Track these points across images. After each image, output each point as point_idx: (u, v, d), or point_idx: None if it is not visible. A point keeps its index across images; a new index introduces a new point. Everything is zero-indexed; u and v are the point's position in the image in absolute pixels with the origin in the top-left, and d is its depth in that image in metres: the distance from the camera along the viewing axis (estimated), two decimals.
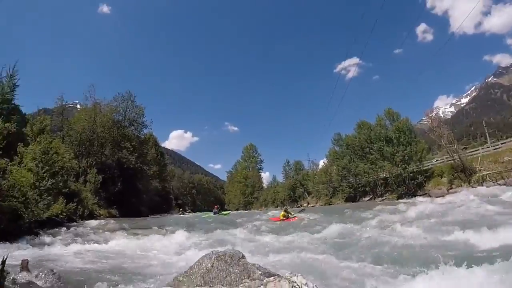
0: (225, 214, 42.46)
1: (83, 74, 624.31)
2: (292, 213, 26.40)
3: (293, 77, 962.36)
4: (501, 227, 9.66)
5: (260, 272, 4.41)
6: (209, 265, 4.63)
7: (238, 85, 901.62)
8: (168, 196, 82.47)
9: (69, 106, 56.40)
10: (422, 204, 23.15)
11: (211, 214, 42.67)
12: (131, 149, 49.84)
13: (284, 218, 24.17)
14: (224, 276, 4.45)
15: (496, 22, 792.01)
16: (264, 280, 3.99)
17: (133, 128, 53.31)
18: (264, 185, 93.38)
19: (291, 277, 3.95)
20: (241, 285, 4.10)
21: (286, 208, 28.92)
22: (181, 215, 60.59)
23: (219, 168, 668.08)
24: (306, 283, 3.86)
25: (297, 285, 3.82)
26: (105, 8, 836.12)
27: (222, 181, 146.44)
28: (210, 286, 4.36)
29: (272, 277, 4.04)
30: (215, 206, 49.42)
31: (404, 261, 7.38)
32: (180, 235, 14.76)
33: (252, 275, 4.39)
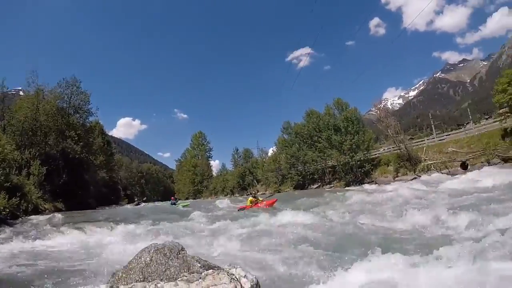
0: (185, 205, 38.69)
1: (25, 59, 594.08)
2: (260, 199, 25.66)
3: (244, 65, 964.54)
4: (433, 212, 9.99)
5: (199, 265, 4.22)
6: (147, 259, 4.36)
7: (188, 71, 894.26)
8: (116, 187, 79.56)
9: (11, 93, 53.53)
10: (367, 192, 23.44)
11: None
12: (76, 138, 46.84)
13: (252, 204, 23.55)
14: (163, 270, 4.22)
15: (447, 21, 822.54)
16: (203, 273, 3.88)
17: (78, 116, 49.59)
18: (214, 173, 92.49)
19: (230, 269, 3.91)
20: (179, 279, 3.89)
21: (254, 194, 28.70)
22: (137, 206, 58.43)
23: (168, 157, 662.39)
24: (245, 275, 3.83)
25: (236, 277, 3.78)
26: None
27: (171, 170, 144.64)
28: (149, 281, 4.08)
29: (210, 270, 3.96)
30: (172, 198, 48.21)
31: (344, 249, 7.24)
32: (127, 228, 13.93)
33: (191, 268, 4.21)
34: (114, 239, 11.64)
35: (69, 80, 48.21)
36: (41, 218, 23.46)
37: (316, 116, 51.15)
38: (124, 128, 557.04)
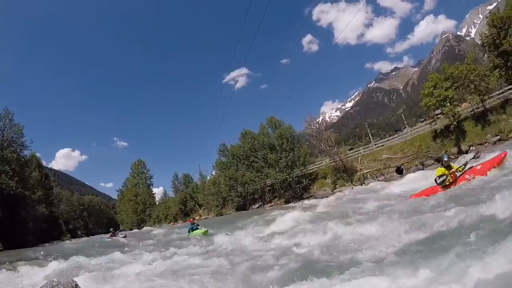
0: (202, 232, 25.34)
1: None
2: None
3: (181, 89, 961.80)
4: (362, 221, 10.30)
5: None
6: None
7: (126, 99, 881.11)
8: (57, 222, 75.72)
9: None
10: (301, 208, 23.23)
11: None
12: (11, 173, 44.07)
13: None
14: None
15: (377, 33, 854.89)
16: None
17: (11, 149, 47.83)
18: (158, 201, 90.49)
19: None
20: None
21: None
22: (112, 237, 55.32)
23: (111, 187, 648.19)
24: None
25: None
26: None
27: (115, 200, 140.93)
28: None
29: None
30: (190, 220, 45.95)
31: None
32: (55, 265, 13.21)
33: None
34: (38, 279, 11.09)
35: (0, 112, 46.08)
36: None
37: (251, 136, 51.12)
38: (64, 160, 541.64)
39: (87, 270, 11.05)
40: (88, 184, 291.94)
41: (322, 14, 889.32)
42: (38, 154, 67.77)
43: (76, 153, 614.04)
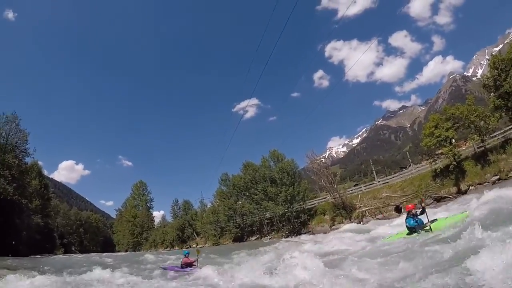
0: None
1: None
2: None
3: (191, 115, 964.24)
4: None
5: None
6: None
7: (134, 118, 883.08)
8: (51, 234, 74.56)
9: None
10: (299, 243, 23.38)
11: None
12: (10, 178, 43.02)
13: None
14: None
15: (386, 72, 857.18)
16: None
17: (14, 155, 47.21)
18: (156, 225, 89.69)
19: None
20: None
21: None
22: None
23: (111, 205, 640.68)
24: None
25: None
26: None
27: (113, 219, 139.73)
28: None
29: None
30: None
31: None
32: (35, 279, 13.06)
33: None
34: None
35: (8, 115, 46.04)
36: None
37: (252, 168, 51.34)
38: (66, 172, 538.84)
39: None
40: (88, 199, 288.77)
41: (335, 51, 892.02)
42: (40, 163, 67.85)
43: (80, 166, 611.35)
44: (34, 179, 60.47)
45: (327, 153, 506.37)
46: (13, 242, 41.41)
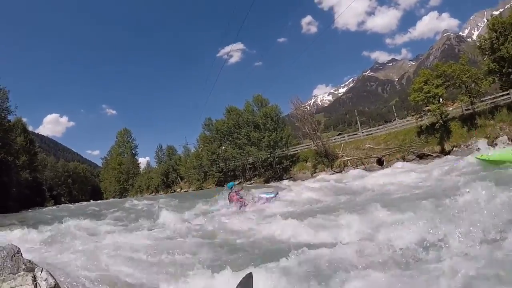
0: None
1: None
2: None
3: (175, 60, 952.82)
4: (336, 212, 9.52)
5: (24, 267, 4.60)
6: None
7: (116, 66, 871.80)
8: (40, 188, 75.47)
9: None
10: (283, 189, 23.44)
11: None
12: None
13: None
14: None
15: (378, 22, 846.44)
16: (16, 274, 4.32)
17: None
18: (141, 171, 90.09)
19: (37, 272, 4.43)
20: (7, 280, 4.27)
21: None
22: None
23: (97, 155, 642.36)
24: (46, 278, 4.34)
25: (38, 279, 4.29)
26: None
27: (100, 168, 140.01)
28: None
29: (22, 272, 4.42)
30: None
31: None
32: (24, 231, 13.06)
33: (19, 268, 4.57)
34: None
35: None
36: None
37: (235, 113, 51.28)
38: (52, 125, 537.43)
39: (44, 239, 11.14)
40: (74, 150, 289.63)
41: None
42: (24, 119, 67.20)
43: (64, 119, 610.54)
44: (19, 136, 60.79)
45: (312, 100, 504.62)
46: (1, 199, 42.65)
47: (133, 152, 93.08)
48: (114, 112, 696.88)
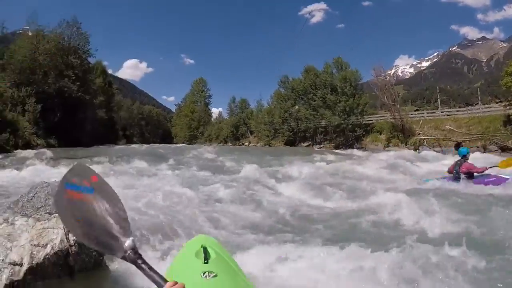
0: None
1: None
2: None
3: (255, 15, 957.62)
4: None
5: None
6: (30, 195, 4.67)
7: (197, 17, 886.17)
8: (114, 127, 79.29)
9: (13, 33, 55.87)
10: (356, 158, 22.47)
11: None
12: (73, 77, 48.02)
13: None
14: (39, 206, 4.48)
15: None
16: (52, 216, 4.13)
17: (77, 56, 51.90)
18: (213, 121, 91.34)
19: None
20: (33, 216, 4.23)
21: None
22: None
23: (172, 101, 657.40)
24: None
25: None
26: None
27: (173, 114, 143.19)
28: (23, 214, 4.31)
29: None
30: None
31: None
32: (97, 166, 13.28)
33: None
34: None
35: (69, 21, 49.96)
36: (30, 152, 23.68)
37: (313, 73, 50.03)
38: (131, 70, 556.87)
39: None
40: (150, 95, 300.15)
41: None
42: (105, 63, 71.95)
43: (143, 64, 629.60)
44: (98, 77, 66.21)
45: (393, 70, 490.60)
46: (77, 134, 47.17)
47: (207, 101, 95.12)
48: (192, 61, 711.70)
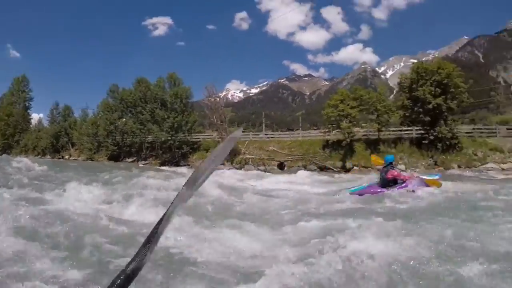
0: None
1: None
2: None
3: (97, 16, 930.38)
4: None
5: None
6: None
7: (34, 5, 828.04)
8: None
9: None
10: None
11: None
12: None
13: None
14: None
15: (307, 38, 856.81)
16: None
17: None
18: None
19: None
20: None
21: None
22: None
23: None
24: None
25: None
26: None
27: None
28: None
29: None
30: None
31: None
32: None
33: None
34: None
35: None
36: None
37: (145, 86, 48.64)
38: None
39: None
40: None
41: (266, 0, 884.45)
42: None
43: None
44: None
45: (224, 93, 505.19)
46: None
47: (27, 104, 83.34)
48: (17, 54, 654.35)
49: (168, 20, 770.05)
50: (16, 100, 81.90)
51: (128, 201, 11.29)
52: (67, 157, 58.94)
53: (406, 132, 32.82)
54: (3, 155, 60.86)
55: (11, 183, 13.99)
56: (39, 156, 61.93)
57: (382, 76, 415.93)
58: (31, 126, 79.43)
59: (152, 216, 8.59)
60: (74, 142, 59.18)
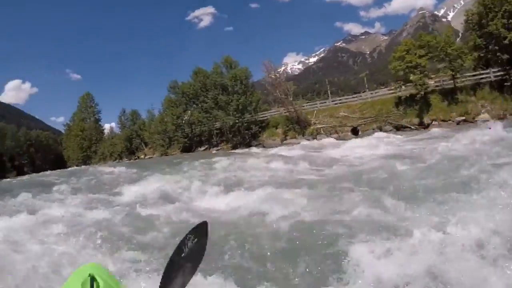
0: None
1: None
2: None
3: (141, 23, 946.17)
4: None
5: None
6: None
7: (80, 26, 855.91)
8: (1, 159, 73.70)
9: None
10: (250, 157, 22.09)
11: None
12: None
13: None
14: None
15: None
16: None
17: None
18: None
19: None
20: None
21: None
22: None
23: (61, 121, 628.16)
24: None
25: None
26: None
27: (64, 135, 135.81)
28: None
29: None
30: None
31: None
32: None
33: None
34: None
35: None
36: None
37: (203, 75, 48.69)
38: (14, 93, 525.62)
39: None
40: (38, 118, 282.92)
41: None
42: None
43: (27, 85, 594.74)
44: None
45: (282, 68, 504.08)
46: None
47: (96, 117, 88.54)
48: (78, 76, 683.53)
49: (211, 9, 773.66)
50: (86, 116, 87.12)
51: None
52: (142, 156, 60.75)
53: (483, 76, 28.89)
54: (83, 166, 63.67)
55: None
56: (117, 161, 64.32)
57: (444, 20, 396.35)
58: (104, 135, 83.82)
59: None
60: (147, 141, 60.98)
